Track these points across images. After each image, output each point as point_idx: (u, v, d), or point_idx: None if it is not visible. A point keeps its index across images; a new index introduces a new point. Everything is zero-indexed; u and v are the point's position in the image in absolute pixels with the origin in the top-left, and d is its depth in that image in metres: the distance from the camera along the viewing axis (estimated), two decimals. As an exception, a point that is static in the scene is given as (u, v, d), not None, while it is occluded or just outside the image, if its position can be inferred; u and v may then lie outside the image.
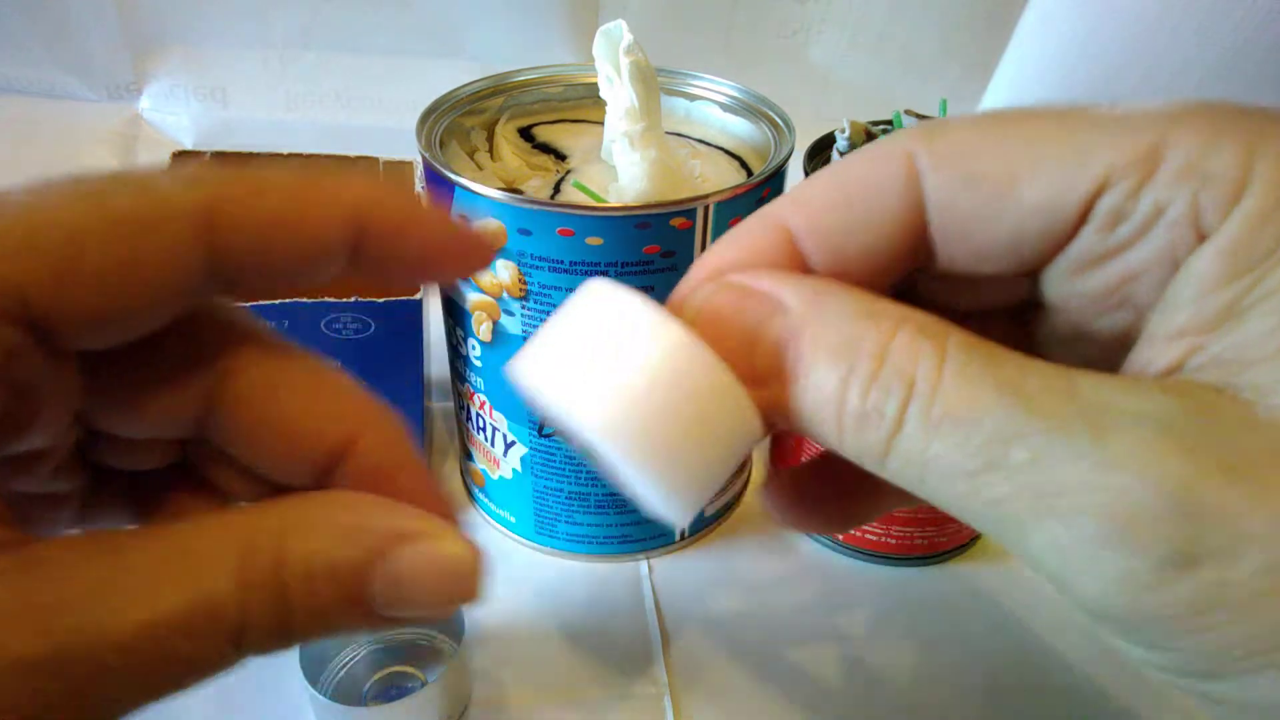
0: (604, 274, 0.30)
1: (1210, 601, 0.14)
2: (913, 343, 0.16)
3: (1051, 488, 0.14)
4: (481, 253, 0.19)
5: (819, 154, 0.37)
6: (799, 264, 0.18)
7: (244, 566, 0.15)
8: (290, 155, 0.42)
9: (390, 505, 0.17)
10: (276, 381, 0.18)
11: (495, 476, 0.38)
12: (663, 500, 0.17)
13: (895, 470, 0.16)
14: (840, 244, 0.18)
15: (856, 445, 0.16)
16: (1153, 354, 0.16)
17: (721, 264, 0.18)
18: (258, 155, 0.42)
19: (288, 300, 0.32)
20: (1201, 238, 0.15)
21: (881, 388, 0.16)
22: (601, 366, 0.17)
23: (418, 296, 0.33)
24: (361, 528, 0.16)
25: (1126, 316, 0.17)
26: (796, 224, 0.18)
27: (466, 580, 0.16)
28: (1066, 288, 0.17)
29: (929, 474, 0.16)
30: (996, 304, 0.20)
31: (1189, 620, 0.14)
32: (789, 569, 0.38)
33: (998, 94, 0.72)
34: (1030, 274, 0.18)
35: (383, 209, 0.17)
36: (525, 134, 0.38)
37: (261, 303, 0.32)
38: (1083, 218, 0.16)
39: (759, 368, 0.17)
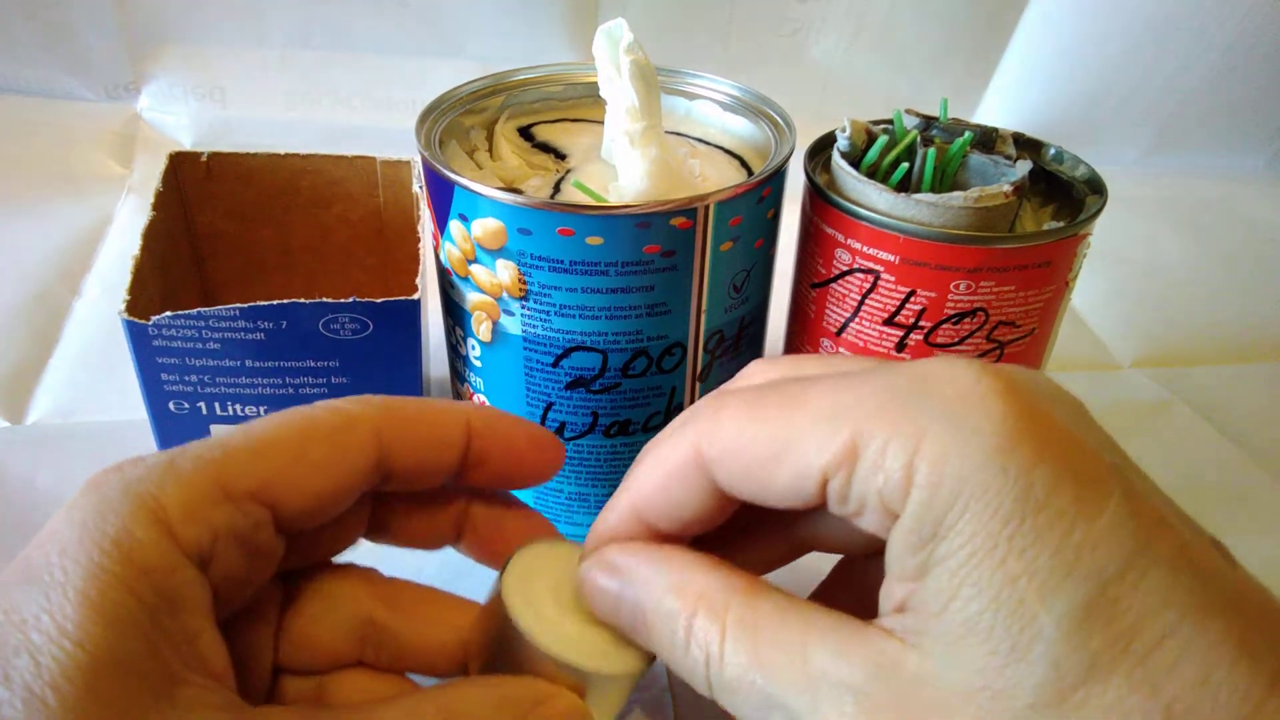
0: (604, 274, 0.30)
1: None
2: (703, 622, 0.22)
3: None
4: (554, 454, 0.28)
5: (819, 153, 0.37)
6: (652, 533, 0.25)
7: None
8: (288, 155, 0.42)
9: (528, 680, 0.24)
10: (417, 615, 0.27)
11: (494, 477, 0.37)
12: None
13: (725, 706, 0.22)
14: (668, 515, 0.24)
15: (694, 684, 0.23)
16: (891, 591, 0.21)
17: (597, 539, 0.25)
18: (256, 155, 0.42)
19: (286, 300, 0.32)
20: (894, 516, 0.20)
21: (690, 655, 0.22)
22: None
23: (416, 296, 0.33)
24: (508, 698, 0.23)
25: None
26: (637, 507, 0.25)
27: (582, 716, 0.24)
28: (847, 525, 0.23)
29: (735, 714, 0.22)
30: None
31: None
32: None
33: (998, 94, 0.72)
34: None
35: (484, 420, 0.26)
36: (525, 133, 0.38)
37: (260, 303, 0.32)
38: (823, 495, 0.21)
39: (624, 628, 0.24)
